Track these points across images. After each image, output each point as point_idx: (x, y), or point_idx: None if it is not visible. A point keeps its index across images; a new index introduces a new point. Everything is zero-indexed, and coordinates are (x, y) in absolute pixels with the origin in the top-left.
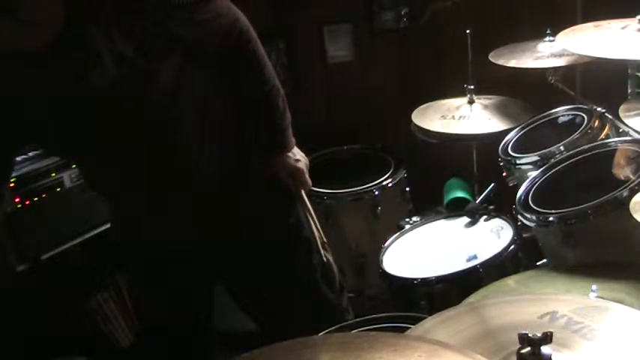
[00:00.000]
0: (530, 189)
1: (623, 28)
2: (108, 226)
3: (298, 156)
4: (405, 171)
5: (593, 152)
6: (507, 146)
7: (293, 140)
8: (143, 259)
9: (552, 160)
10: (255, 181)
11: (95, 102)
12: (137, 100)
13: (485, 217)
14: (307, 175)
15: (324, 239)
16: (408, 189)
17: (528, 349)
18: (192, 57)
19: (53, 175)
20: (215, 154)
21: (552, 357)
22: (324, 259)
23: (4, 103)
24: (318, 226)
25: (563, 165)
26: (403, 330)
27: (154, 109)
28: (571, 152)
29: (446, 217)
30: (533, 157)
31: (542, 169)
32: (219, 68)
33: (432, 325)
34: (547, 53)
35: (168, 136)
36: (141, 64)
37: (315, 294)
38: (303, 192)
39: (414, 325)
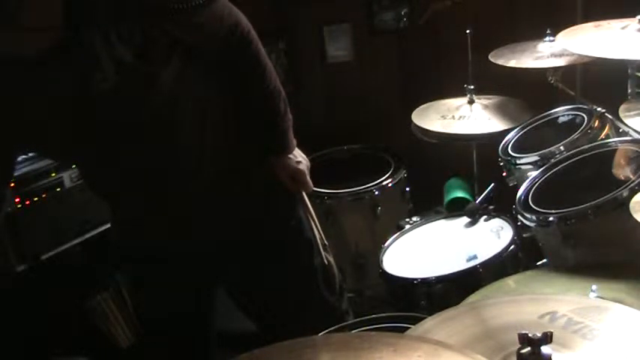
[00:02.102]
0: (530, 189)
1: (623, 28)
2: (108, 226)
3: (299, 158)
4: (405, 171)
5: (593, 152)
6: (507, 146)
7: (294, 142)
8: (143, 259)
9: (552, 160)
10: (255, 182)
11: (95, 105)
12: (137, 103)
13: (485, 217)
14: (308, 177)
15: (325, 241)
16: (408, 189)
17: (528, 349)
18: (192, 60)
19: (53, 175)
20: (215, 155)
21: (552, 357)
22: (325, 261)
23: (5, 106)
24: (319, 228)
25: (563, 165)
26: (403, 330)
27: (154, 111)
28: (571, 152)
29: (446, 217)
30: (533, 157)
31: (542, 169)
32: (220, 70)
33: (432, 325)
34: (547, 53)
35: (168, 137)
36: (141, 68)
37: (315, 296)
38: (304, 194)
39: (414, 325)
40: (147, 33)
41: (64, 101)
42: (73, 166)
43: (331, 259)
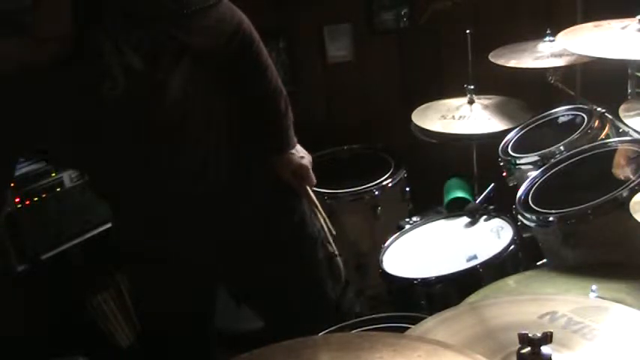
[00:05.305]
0: (530, 189)
1: (623, 28)
2: (108, 226)
3: (302, 153)
4: (405, 171)
5: (593, 152)
6: (507, 146)
7: (295, 139)
8: (145, 259)
9: (552, 160)
10: (258, 180)
11: (104, 110)
12: (145, 107)
13: (485, 217)
14: (311, 172)
15: (333, 232)
16: (408, 189)
17: (528, 349)
18: (199, 63)
19: (53, 175)
20: (219, 155)
21: (552, 357)
22: (334, 253)
23: (13, 112)
24: (327, 221)
25: (563, 165)
26: (403, 330)
27: (162, 114)
28: (571, 152)
29: (446, 217)
30: (533, 157)
31: (542, 169)
32: (224, 71)
33: (432, 325)
34: (547, 53)
35: (174, 138)
36: (150, 74)
37: (321, 290)
38: (308, 188)
39: (414, 325)
40: (155, 39)
41: (73, 107)
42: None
43: (337, 252)
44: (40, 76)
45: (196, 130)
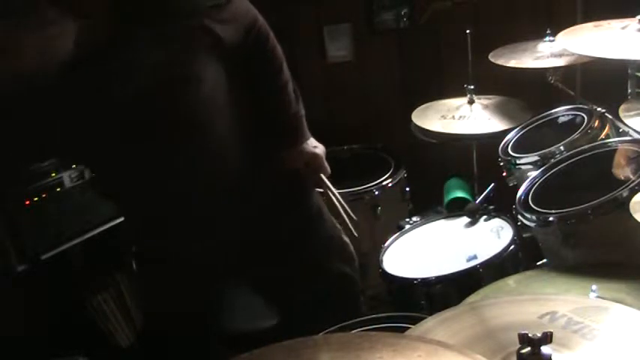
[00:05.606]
0: (530, 189)
1: (623, 28)
2: (108, 226)
3: (315, 143)
4: (405, 171)
5: (593, 152)
6: (507, 146)
7: (308, 131)
8: (144, 259)
9: (552, 160)
10: (262, 181)
11: (131, 107)
12: (173, 105)
13: (485, 217)
14: (325, 162)
15: (354, 217)
16: (408, 189)
17: (528, 349)
18: (224, 58)
19: (53, 175)
20: (237, 153)
21: (552, 357)
22: (347, 243)
23: (36, 109)
24: (345, 206)
25: (563, 165)
26: (403, 330)
27: (188, 111)
28: (571, 152)
29: (446, 217)
30: (533, 157)
31: (542, 169)
32: (241, 66)
33: (432, 325)
34: (547, 53)
35: (197, 136)
36: (178, 70)
37: (335, 275)
38: (324, 177)
39: (414, 325)
40: (185, 35)
41: (99, 104)
42: (73, 165)
43: (355, 235)
44: (72, 71)
45: (218, 128)
